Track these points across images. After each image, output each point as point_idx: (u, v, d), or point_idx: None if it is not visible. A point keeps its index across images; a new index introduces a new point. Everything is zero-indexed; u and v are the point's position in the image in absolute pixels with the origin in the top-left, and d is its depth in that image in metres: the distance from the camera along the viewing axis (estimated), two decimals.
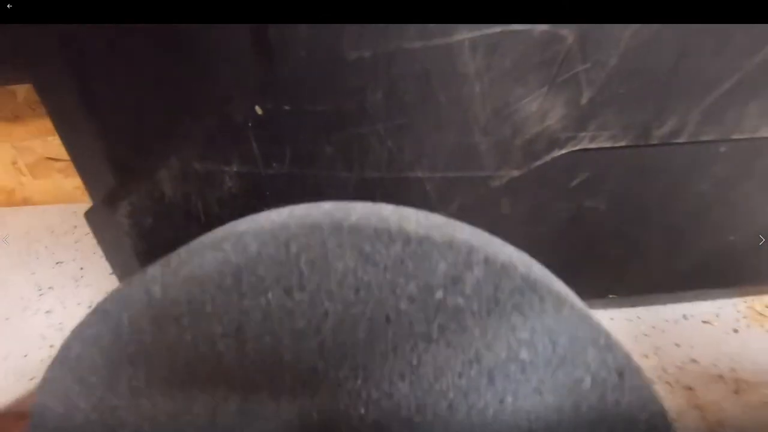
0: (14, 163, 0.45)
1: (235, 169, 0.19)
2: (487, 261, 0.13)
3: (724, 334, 0.29)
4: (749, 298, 0.31)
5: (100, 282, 0.36)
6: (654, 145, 0.21)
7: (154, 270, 0.14)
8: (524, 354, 0.14)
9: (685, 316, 0.31)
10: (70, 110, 0.18)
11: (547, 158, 0.20)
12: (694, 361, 0.28)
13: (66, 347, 0.15)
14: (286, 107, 0.18)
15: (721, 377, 0.27)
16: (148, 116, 0.18)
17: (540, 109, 0.19)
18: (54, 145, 0.43)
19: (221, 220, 0.20)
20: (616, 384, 0.14)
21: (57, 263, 0.38)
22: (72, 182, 0.45)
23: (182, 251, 0.14)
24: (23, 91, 0.39)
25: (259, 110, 0.18)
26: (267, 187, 0.20)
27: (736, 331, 0.30)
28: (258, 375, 0.14)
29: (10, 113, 0.41)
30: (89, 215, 0.21)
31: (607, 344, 0.14)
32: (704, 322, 0.30)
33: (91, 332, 0.15)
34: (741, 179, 0.23)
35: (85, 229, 0.42)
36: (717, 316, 0.31)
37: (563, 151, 0.20)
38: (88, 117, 0.18)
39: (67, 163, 0.44)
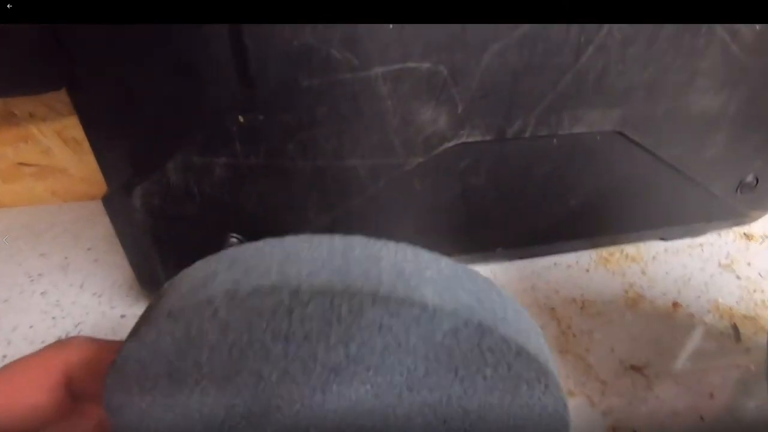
0: None
1: (223, 161, 0.27)
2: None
3: (579, 273, 0.41)
4: (600, 249, 0.44)
5: (87, 268, 0.41)
6: (509, 139, 0.31)
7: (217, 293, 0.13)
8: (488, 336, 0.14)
9: (555, 264, 0.42)
10: (98, 112, 0.25)
11: (441, 149, 0.30)
12: (557, 291, 0.39)
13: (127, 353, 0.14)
14: (261, 117, 0.26)
15: (573, 300, 0.38)
16: (162, 122, 0.25)
17: (431, 117, 0.29)
18: (25, 150, 0.47)
19: (212, 198, 0.28)
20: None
21: (41, 255, 0.42)
22: (43, 185, 0.49)
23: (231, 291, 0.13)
24: None
25: (241, 119, 0.26)
26: (246, 173, 0.28)
27: (587, 270, 0.42)
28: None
29: None
30: (106, 201, 0.28)
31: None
32: (568, 266, 0.42)
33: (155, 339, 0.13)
34: (569, 162, 0.34)
35: (63, 226, 0.47)
36: (576, 261, 0.43)
37: (451, 144, 0.30)
38: (115, 120, 0.25)
39: (39, 168, 0.48)
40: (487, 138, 0.31)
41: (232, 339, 0.13)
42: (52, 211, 0.49)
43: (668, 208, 0.40)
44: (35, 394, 0.15)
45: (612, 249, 0.44)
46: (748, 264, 0.42)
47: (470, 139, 0.30)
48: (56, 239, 0.45)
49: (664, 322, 0.36)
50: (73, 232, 0.46)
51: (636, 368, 0.32)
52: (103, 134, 0.26)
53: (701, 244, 0.45)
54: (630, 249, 0.44)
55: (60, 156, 0.47)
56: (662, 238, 0.45)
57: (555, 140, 0.32)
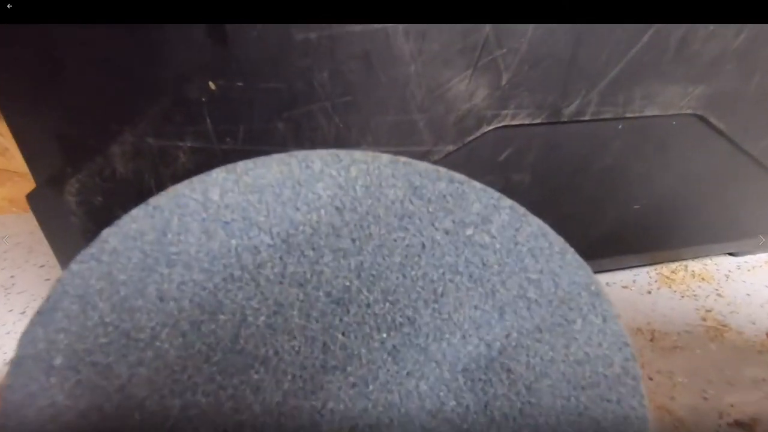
0: None
1: (189, 144, 0.20)
2: (513, 207, 0.16)
3: (640, 295, 0.34)
4: (659, 266, 0.36)
5: (35, 289, 0.34)
6: (564, 122, 0.24)
7: (218, 174, 0.15)
8: (532, 293, 0.16)
9: (607, 284, 0.35)
10: (14, 86, 0.18)
11: (477, 134, 0.23)
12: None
13: (103, 240, 0.14)
14: (239, 84, 0.19)
15: (639, 330, 0.30)
16: (100, 92, 0.19)
17: (467, 90, 0.22)
18: None
19: None
20: (600, 328, 0.16)
21: None
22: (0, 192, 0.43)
23: (249, 161, 0.15)
24: None
25: (212, 86, 0.19)
26: (221, 162, 0.21)
27: (649, 292, 0.34)
28: (293, 289, 0.15)
29: None
30: (31, 198, 0.21)
31: (597, 291, 0.16)
32: (623, 287, 0.34)
33: (135, 227, 0.15)
34: (634, 154, 0.27)
35: (16, 239, 0.40)
36: (633, 281, 0.35)
37: (490, 128, 0.23)
38: (35, 93, 0.18)
39: None
40: (536, 120, 0.24)
41: None
42: (6, 222, 0.42)
43: (745, 216, 0.33)
44: None
45: (673, 266, 0.36)
46: None
47: (515, 122, 0.23)
48: (5, 254, 0.38)
49: (762, 358, 0.28)
50: (26, 246, 0.39)
51: (743, 425, 0.24)
52: (20, 108, 0.19)
53: None
54: (695, 266, 0.36)
55: (20, 158, 0.41)
56: (731, 253, 0.38)
57: (620, 125, 0.25)
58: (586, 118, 0.24)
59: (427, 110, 0.22)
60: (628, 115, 0.25)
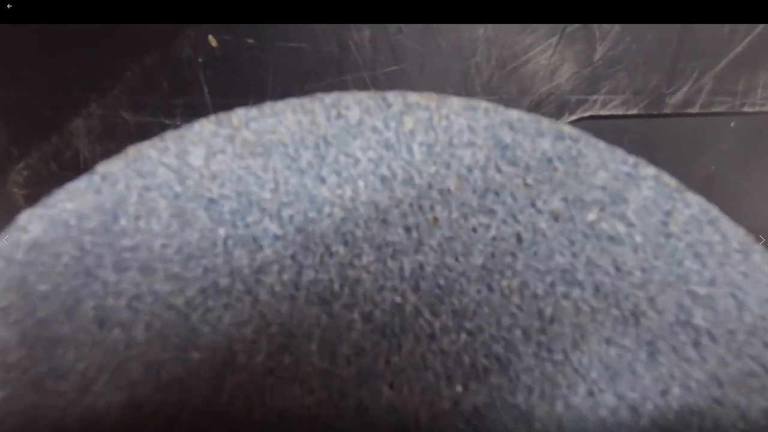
0: None
1: (178, 121, 0.15)
2: (659, 178, 0.10)
3: None
4: None
5: None
6: (665, 114, 0.19)
7: (203, 126, 0.12)
8: (698, 317, 0.10)
9: None
10: None
11: None
12: None
13: (19, 227, 0.11)
14: (249, 40, 0.14)
15: None
16: (59, 47, 0.14)
17: (548, 63, 0.17)
18: None
19: None
20: None
21: None
22: None
23: (253, 108, 0.12)
24: None
25: (212, 41, 0.14)
26: None
27: None
28: (312, 309, 0.11)
29: None
30: None
31: None
32: None
33: (70, 208, 0.11)
34: (750, 160, 0.21)
35: None
36: None
37: (573, 118, 0.18)
38: None
39: None
40: (632, 111, 0.18)
41: None
42: None
43: None
44: None
45: None
46: None
47: (604, 112, 0.18)
48: None
49: None
50: None
51: None
52: None
53: None
54: None
55: None
56: None
57: (733, 122, 0.20)
58: (694, 110, 0.19)
59: (495, 91, 0.17)
60: (746, 109, 0.19)
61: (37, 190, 0.15)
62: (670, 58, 0.17)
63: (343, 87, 0.16)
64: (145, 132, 0.15)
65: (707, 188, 0.21)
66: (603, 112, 0.18)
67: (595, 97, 0.18)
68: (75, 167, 0.15)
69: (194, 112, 0.15)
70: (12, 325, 0.09)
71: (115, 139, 0.15)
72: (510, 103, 0.17)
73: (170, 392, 0.10)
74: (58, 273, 0.10)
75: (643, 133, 0.19)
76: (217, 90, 0.15)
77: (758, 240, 0.25)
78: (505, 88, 0.17)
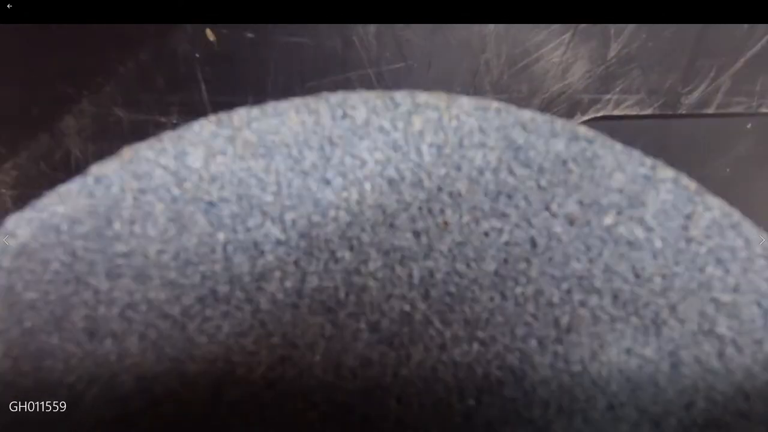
0: None
1: (174, 119, 0.14)
2: (678, 181, 0.10)
3: None
4: None
5: None
6: (680, 115, 0.18)
7: (202, 126, 0.11)
8: (722, 327, 0.10)
9: None
10: None
11: None
12: None
13: (7, 232, 0.11)
14: (249, 34, 0.13)
15: None
16: (50, 41, 0.13)
17: (561, 60, 0.16)
18: None
19: None
20: None
21: None
22: None
23: (254, 108, 0.11)
24: None
25: (210, 35, 0.13)
26: None
27: None
28: (317, 319, 0.11)
29: None
30: None
31: None
32: None
33: (62, 212, 0.11)
34: (757, 168, 0.20)
35: None
36: None
37: (585, 118, 0.17)
38: None
39: None
40: (646, 111, 0.18)
41: None
42: None
43: None
44: None
45: None
46: None
47: (617, 112, 0.17)
48: None
49: None
50: None
51: None
52: None
53: None
54: None
55: None
56: None
57: (749, 124, 0.19)
58: (710, 110, 0.18)
59: (505, 89, 0.16)
60: (763, 110, 0.19)
61: (26, 191, 0.15)
62: (686, 57, 0.17)
63: (346, 84, 0.15)
64: (139, 130, 0.14)
65: (723, 191, 0.20)
66: (616, 112, 0.18)
67: (608, 96, 0.17)
68: (66, 167, 0.15)
69: (191, 109, 0.14)
70: None
71: (108, 138, 0.14)
72: (520, 102, 0.17)
73: (165, 407, 0.09)
74: (47, 281, 0.10)
75: (657, 134, 0.18)
76: (214, 87, 0.14)
77: None
78: (516, 87, 0.16)
